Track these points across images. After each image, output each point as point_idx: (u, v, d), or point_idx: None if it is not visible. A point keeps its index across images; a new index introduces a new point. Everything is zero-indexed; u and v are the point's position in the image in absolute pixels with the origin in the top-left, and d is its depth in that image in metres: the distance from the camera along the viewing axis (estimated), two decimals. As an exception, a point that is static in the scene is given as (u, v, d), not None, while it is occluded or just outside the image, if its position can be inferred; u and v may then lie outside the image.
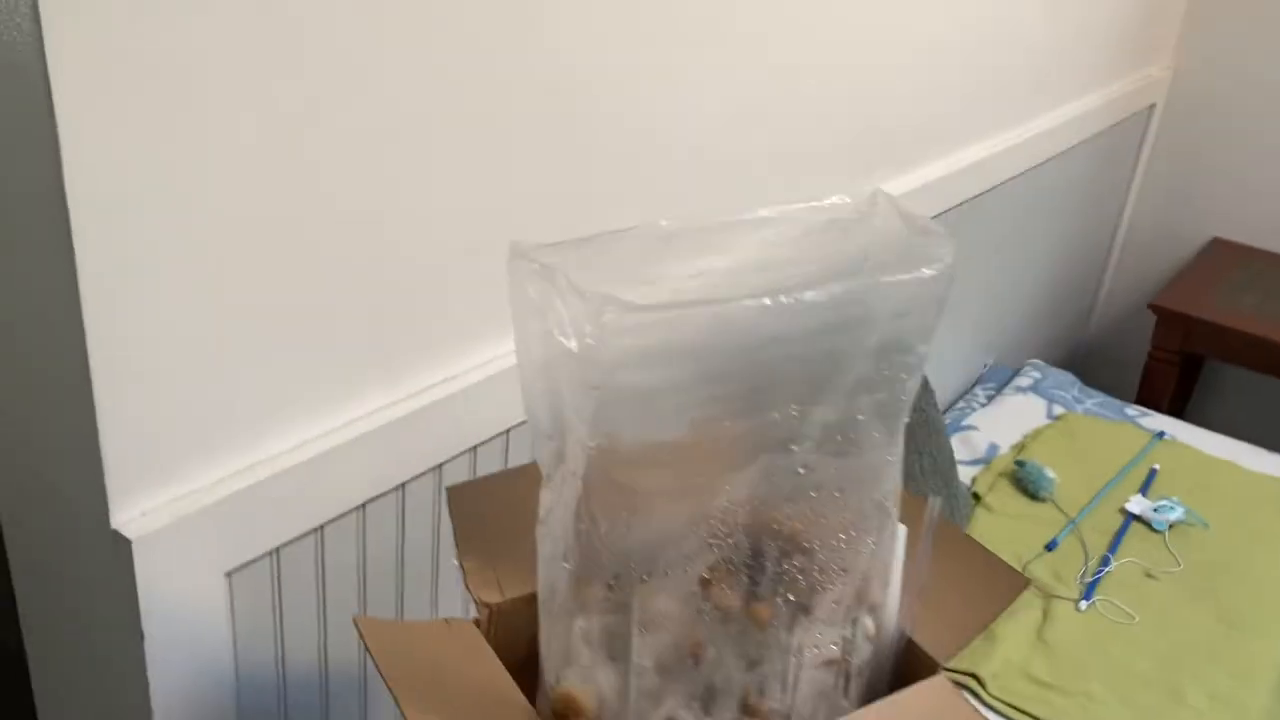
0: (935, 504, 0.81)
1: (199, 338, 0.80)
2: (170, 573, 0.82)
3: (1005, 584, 0.84)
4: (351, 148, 0.85)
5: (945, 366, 2.06)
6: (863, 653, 0.77)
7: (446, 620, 0.81)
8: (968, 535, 0.87)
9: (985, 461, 1.92)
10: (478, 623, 0.81)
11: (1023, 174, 1.97)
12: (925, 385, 1.71)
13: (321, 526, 0.94)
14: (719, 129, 1.22)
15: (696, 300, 0.60)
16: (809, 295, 0.62)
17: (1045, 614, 1.57)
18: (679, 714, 0.72)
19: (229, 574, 0.87)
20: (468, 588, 0.82)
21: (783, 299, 0.61)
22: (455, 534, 0.83)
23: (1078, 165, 2.22)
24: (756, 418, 0.64)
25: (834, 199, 0.73)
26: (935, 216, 1.73)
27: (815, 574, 0.69)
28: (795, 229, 0.73)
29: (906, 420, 0.70)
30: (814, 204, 0.73)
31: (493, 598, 0.81)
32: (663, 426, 0.62)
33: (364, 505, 0.97)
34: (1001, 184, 1.90)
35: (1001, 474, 1.87)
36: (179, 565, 0.82)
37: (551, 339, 0.62)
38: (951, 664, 1.48)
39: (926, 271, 0.65)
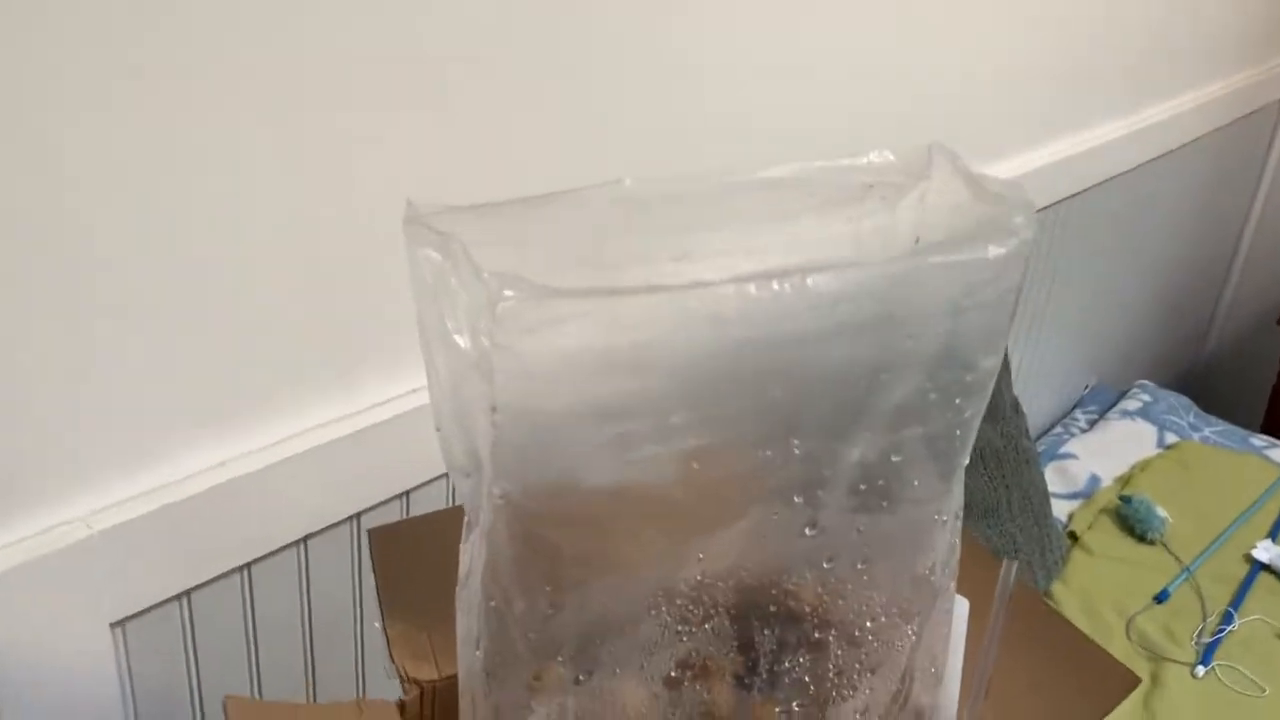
0: (1011, 569, 0.61)
1: (68, 341, 0.64)
2: (29, 624, 0.66)
3: (1107, 680, 0.63)
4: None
5: (1039, 386, 1.82)
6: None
7: (359, 703, 0.63)
8: (1057, 613, 0.66)
9: (1085, 495, 1.68)
10: (403, 706, 0.63)
11: (1131, 170, 1.73)
12: (1016, 408, 1.48)
13: (248, 565, 0.77)
14: (759, 89, 1.03)
15: (646, 287, 0.41)
16: (818, 282, 0.42)
17: (1154, 680, 1.33)
18: None
19: (116, 625, 0.70)
20: (392, 659, 0.64)
21: (776, 286, 0.42)
22: (378, 589, 0.65)
23: (1196, 163, 1.96)
24: (742, 456, 0.45)
25: (874, 154, 0.53)
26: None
27: (830, 675, 0.50)
28: (819, 194, 0.53)
29: (965, 463, 0.50)
30: (846, 161, 0.54)
31: (425, 674, 0.62)
32: (599, 468, 0.43)
33: (305, 539, 0.79)
34: (1106, 181, 1.67)
35: (1104, 510, 1.64)
36: (42, 614, 0.66)
37: (449, 338, 0.43)
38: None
39: (994, 250, 0.45)
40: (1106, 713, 0.61)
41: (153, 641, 0.73)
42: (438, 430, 0.49)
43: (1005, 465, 1.41)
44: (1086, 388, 2.00)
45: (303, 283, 0.74)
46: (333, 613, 0.83)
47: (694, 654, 0.49)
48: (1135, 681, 0.62)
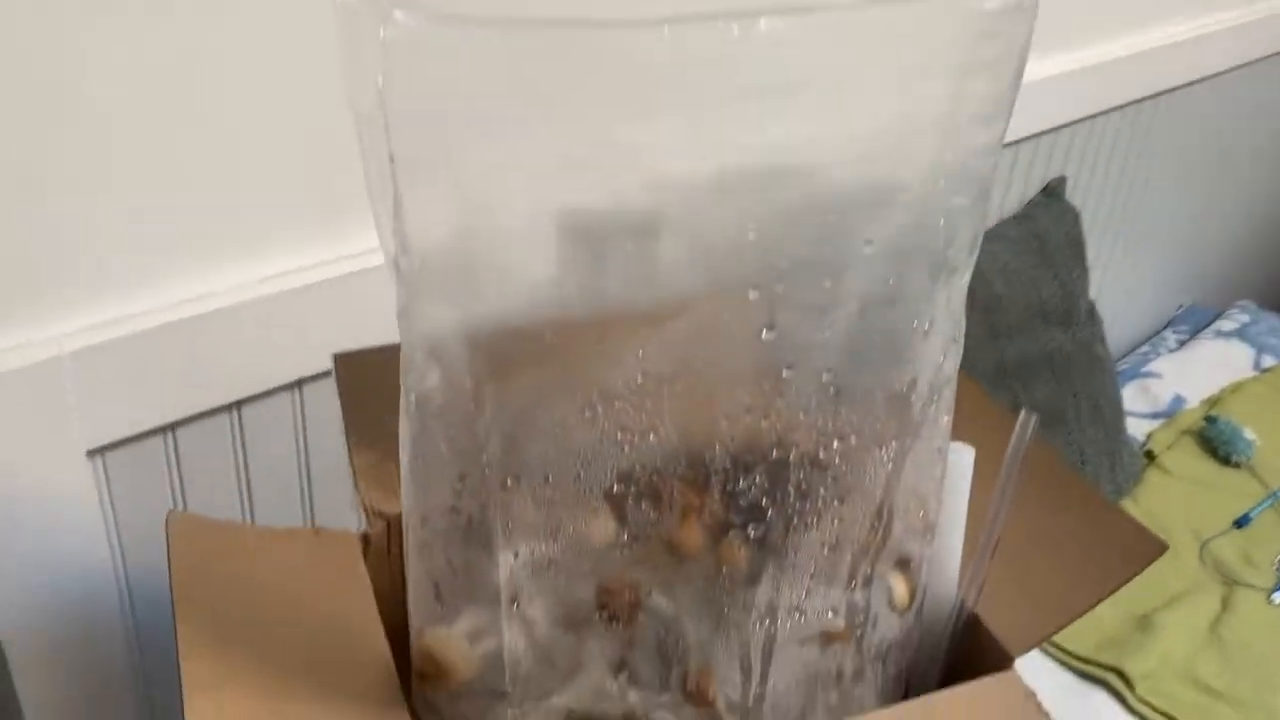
0: (1030, 422, 0.55)
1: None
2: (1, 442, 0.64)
3: (1131, 546, 0.56)
4: None
5: (1126, 304, 1.71)
6: (886, 629, 0.52)
7: (317, 530, 0.60)
8: (1079, 475, 0.60)
9: (1167, 415, 1.58)
10: (366, 539, 0.60)
11: (1237, 68, 1.59)
12: (1091, 314, 1.39)
13: (237, 405, 0.74)
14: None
15: (564, 20, 0.35)
16: (773, 27, 0.36)
17: (1225, 604, 1.25)
18: (591, 690, 0.49)
19: (94, 453, 0.68)
20: (357, 490, 0.61)
21: (724, 28, 0.36)
22: (345, 418, 0.61)
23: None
24: (682, 234, 0.39)
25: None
26: (1112, 111, 1.40)
27: (792, 499, 0.44)
28: None
29: (960, 269, 0.44)
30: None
31: (391, 507, 0.59)
32: (517, 236, 0.38)
33: (299, 384, 0.77)
34: (1207, 79, 1.54)
35: (1186, 431, 1.54)
36: (10, 437, 0.64)
37: (357, 100, 0.39)
38: (1092, 655, 1.20)
39: (990, 3, 0.38)
40: (1129, 579, 0.54)
41: (136, 475, 0.71)
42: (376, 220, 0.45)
43: (1075, 371, 1.32)
44: (1179, 307, 1.88)
45: (303, 118, 0.70)
46: (331, 461, 0.80)
47: (638, 468, 0.44)
48: (1162, 548, 0.55)
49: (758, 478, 0.44)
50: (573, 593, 0.47)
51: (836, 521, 0.46)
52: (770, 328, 0.41)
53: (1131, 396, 1.60)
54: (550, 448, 0.42)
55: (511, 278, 0.42)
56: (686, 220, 0.40)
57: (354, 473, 0.61)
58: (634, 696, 0.49)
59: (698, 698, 0.49)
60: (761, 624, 0.47)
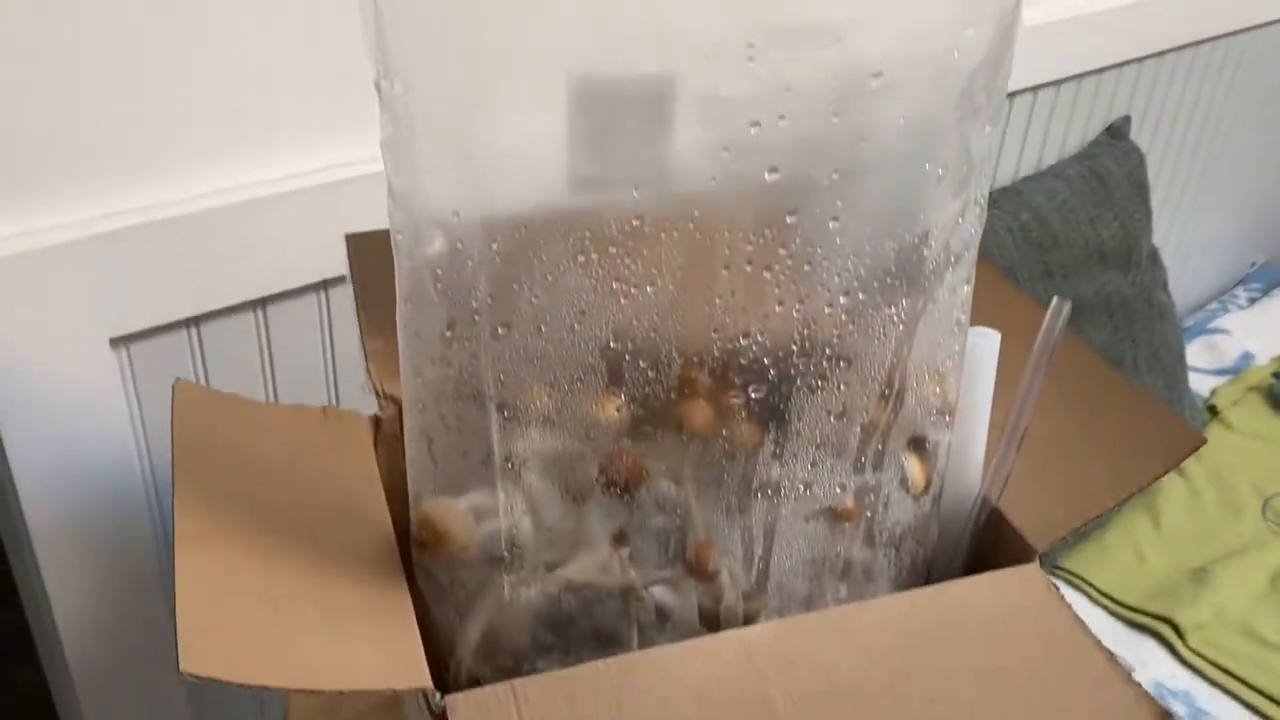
0: (1063, 309, 0.52)
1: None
2: (20, 329, 0.64)
3: (1166, 439, 0.53)
4: None
5: (1196, 260, 1.65)
6: (899, 513, 0.50)
7: (326, 409, 0.59)
8: (1115, 372, 0.57)
9: (1234, 372, 1.52)
10: (378, 422, 0.59)
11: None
12: (1154, 259, 1.34)
13: (262, 302, 0.74)
14: None
15: None
16: None
17: (1288, 559, 1.21)
18: (590, 561, 0.48)
19: (118, 343, 0.69)
20: (369, 374, 0.60)
21: None
22: (356, 300, 0.61)
23: None
24: (696, 97, 0.38)
25: None
26: (1184, 49, 1.34)
27: (794, 356, 0.43)
28: None
29: (986, 128, 0.41)
30: None
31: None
32: (524, 100, 0.37)
33: (325, 285, 0.76)
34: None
35: (1253, 388, 1.48)
36: (32, 319, 0.65)
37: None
38: (1144, 606, 1.16)
39: None
40: (1164, 472, 0.52)
41: (160, 368, 0.71)
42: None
43: (1135, 317, 1.28)
44: (1253, 265, 1.81)
45: (339, 5, 0.69)
46: (357, 363, 0.79)
47: (636, 324, 0.42)
48: (1199, 441, 0.52)
49: (759, 335, 0.42)
50: (570, 457, 0.45)
51: (843, 386, 0.44)
52: (773, 169, 0.40)
53: (1197, 352, 1.55)
54: (542, 295, 0.41)
55: (517, 146, 0.41)
56: (701, 80, 0.39)
57: (365, 355, 0.60)
58: (634, 569, 0.48)
59: (698, 570, 0.47)
60: (764, 494, 0.46)
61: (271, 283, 0.73)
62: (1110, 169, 1.28)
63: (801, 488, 0.46)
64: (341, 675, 0.43)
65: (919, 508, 0.51)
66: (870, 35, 0.37)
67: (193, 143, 0.68)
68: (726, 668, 0.45)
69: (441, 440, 0.45)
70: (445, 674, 0.53)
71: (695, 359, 0.43)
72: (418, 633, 0.46)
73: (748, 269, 0.41)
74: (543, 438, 0.45)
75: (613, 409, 0.45)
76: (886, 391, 0.45)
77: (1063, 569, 1.17)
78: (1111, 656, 0.47)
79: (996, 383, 0.54)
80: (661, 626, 0.49)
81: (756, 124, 0.39)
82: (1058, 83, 1.21)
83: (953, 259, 0.44)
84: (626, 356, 0.43)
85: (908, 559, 0.52)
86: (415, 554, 0.50)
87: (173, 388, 0.54)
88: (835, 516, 0.48)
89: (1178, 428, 0.53)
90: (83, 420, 0.69)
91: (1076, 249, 1.21)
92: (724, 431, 0.44)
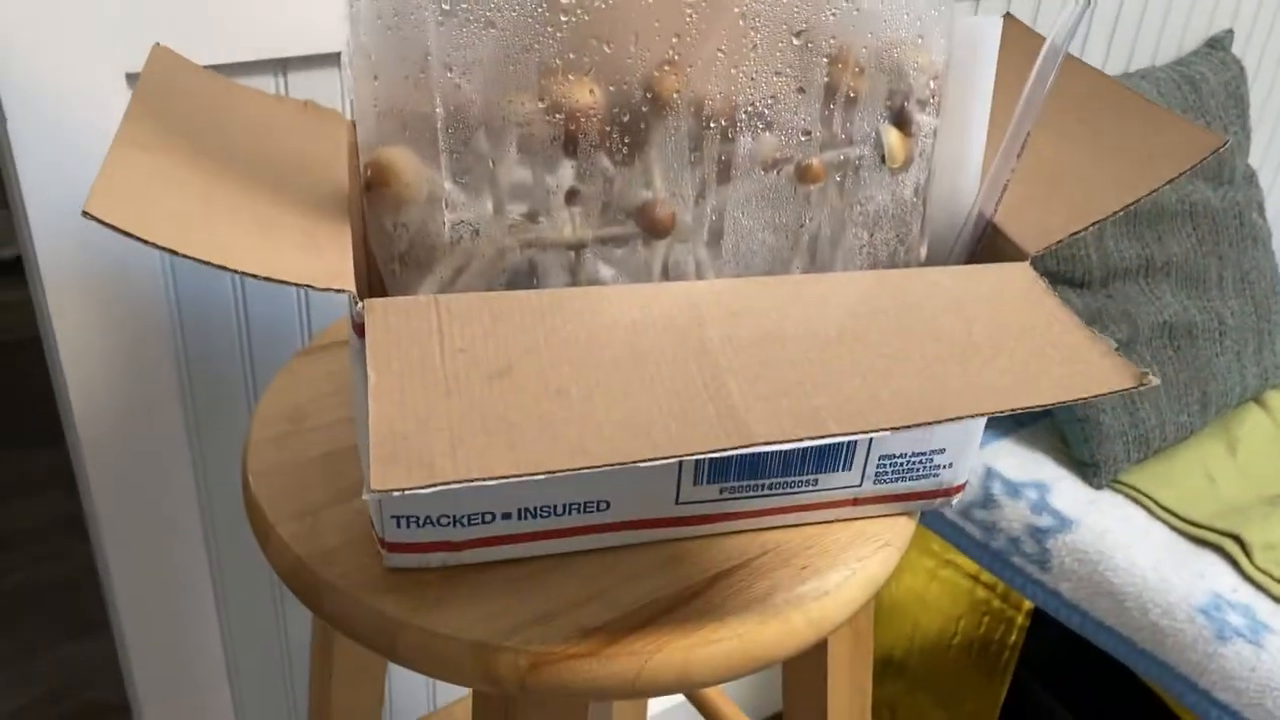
0: (1080, 4, 0.48)
1: None
2: (37, 45, 0.65)
3: (1181, 143, 0.48)
4: None
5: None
6: (874, 187, 0.46)
7: (306, 102, 0.58)
8: (1128, 87, 0.52)
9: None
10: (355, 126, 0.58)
11: None
12: (1250, 179, 1.27)
13: (284, 62, 0.74)
14: None
15: None
16: None
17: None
18: (536, 202, 0.46)
19: (133, 79, 0.69)
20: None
21: None
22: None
23: None
24: None
25: None
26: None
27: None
28: None
29: None
30: None
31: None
32: None
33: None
34: None
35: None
36: (53, 42, 0.65)
37: None
38: (1208, 522, 1.08)
39: None
40: (1180, 174, 0.47)
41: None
42: None
43: (1222, 234, 1.20)
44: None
45: None
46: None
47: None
48: (1217, 141, 0.47)
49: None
50: (512, 72, 0.43)
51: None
52: None
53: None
54: None
55: None
56: None
57: (351, 63, 0.59)
58: (584, 222, 0.46)
59: (647, 220, 0.45)
60: (715, 126, 0.43)
61: (294, 44, 0.73)
62: (1206, 76, 1.21)
63: (760, 127, 0.43)
64: (260, 263, 0.41)
65: (898, 188, 0.47)
66: None
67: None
68: (665, 310, 0.43)
69: (379, 47, 0.44)
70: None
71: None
72: (350, 250, 0.44)
73: None
74: (484, 46, 0.43)
75: (583, 92, 0.43)
76: (855, 12, 0.42)
77: (1123, 483, 1.10)
78: (1095, 335, 0.43)
79: (1000, 90, 0.51)
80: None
81: None
82: (1150, -24, 1.15)
83: None
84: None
85: (884, 251, 0.48)
86: (365, 202, 0.49)
87: (150, 50, 0.53)
88: (799, 175, 0.45)
89: (1193, 131, 0.48)
90: (96, 153, 0.69)
91: (1160, 150, 1.15)
92: (686, 86, 0.42)
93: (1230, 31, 1.27)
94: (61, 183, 0.69)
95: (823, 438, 0.38)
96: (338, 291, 0.42)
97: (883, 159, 0.46)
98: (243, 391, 0.82)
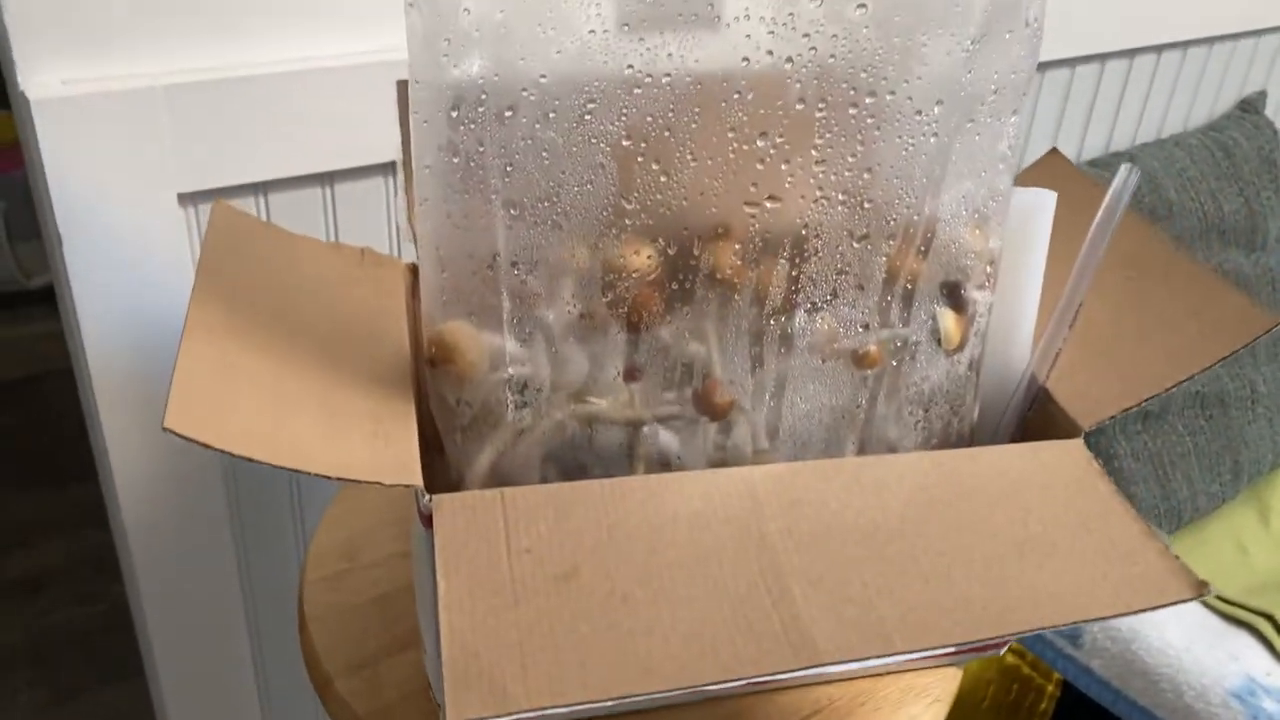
0: (1130, 176, 0.49)
1: None
2: (93, 165, 0.66)
3: (1232, 322, 0.49)
4: None
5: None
6: (930, 368, 0.47)
7: (364, 250, 0.59)
8: (1181, 251, 0.53)
9: (1368, 379, 1.42)
10: (415, 270, 0.59)
11: None
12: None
13: (330, 176, 0.75)
14: None
15: None
16: None
17: None
18: (598, 389, 0.46)
19: (186, 199, 0.70)
20: (410, 221, 0.59)
21: None
22: (402, 144, 0.60)
23: None
24: None
25: None
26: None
27: (812, 162, 0.40)
28: None
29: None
30: None
31: (442, 240, 0.58)
32: None
33: (394, 167, 0.77)
34: None
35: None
36: (104, 160, 0.66)
37: None
38: (1241, 599, 1.08)
39: None
40: (1232, 353, 0.47)
41: (229, 224, 0.72)
42: None
43: (1255, 300, 1.20)
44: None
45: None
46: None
47: (649, 120, 0.41)
48: (1271, 322, 0.48)
49: (777, 137, 0.40)
50: (575, 263, 0.44)
51: (866, 204, 0.41)
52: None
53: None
54: (550, 74, 0.40)
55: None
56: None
57: (408, 202, 0.60)
58: (642, 401, 0.46)
59: (706, 403, 0.45)
60: (778, 323, 0.43)
61: (341, 158, 0.74)
62: (1239, 142, 1.20)
63: (819, 322, 0.44)
64: (331, 463, 0.42)
65: (953, 367, 0.48)
66: None
67: (273, 8, 0.69)
68: (725, 499, 0.43)
69: (448, 242, 0.44)
70: (454, 509, 0.52)
71: (709, 160, 0.41)
72: (416, 438, 0.45)
73: (769, 58, 0.39)
74: (549, 239, 0.43)
75: (619, 211, 0.43)
76: (914, 221, 0.42)
77: (1155, 555, 1.10)
78: (1150, 530, 0.43)
79: (1051, 253, 0.51)
80: (667, 468, 0.47)
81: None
82: (1184, 44, 1.15)
83: (994, 76, 0.41)
84: (639, 158, 0.42)
85: (939, 424, 0.49)
86: (428, 376, 0.49)
87: (211, 208, 0.54)
88: (856, 361, 0.46)
89: (1246, 307, 0.49)
90: (147, 271, 0.70)
91: (1193, 221, 1.15)
92: (747, 252, 0.42)
93: (1264, 93, 1.27)
94: (112, 297, 0.70)
95: (889, 656, 0.38)
96: (406, 486, 0.42)
97: (939, 342, 0.47)
98: (289, 505, 0.83)
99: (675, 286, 0.45)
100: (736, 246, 0.43)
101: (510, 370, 0.46)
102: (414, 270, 0.59)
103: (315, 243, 0.57)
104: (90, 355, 0.71)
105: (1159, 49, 1.14)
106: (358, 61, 0.72)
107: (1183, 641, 1.01)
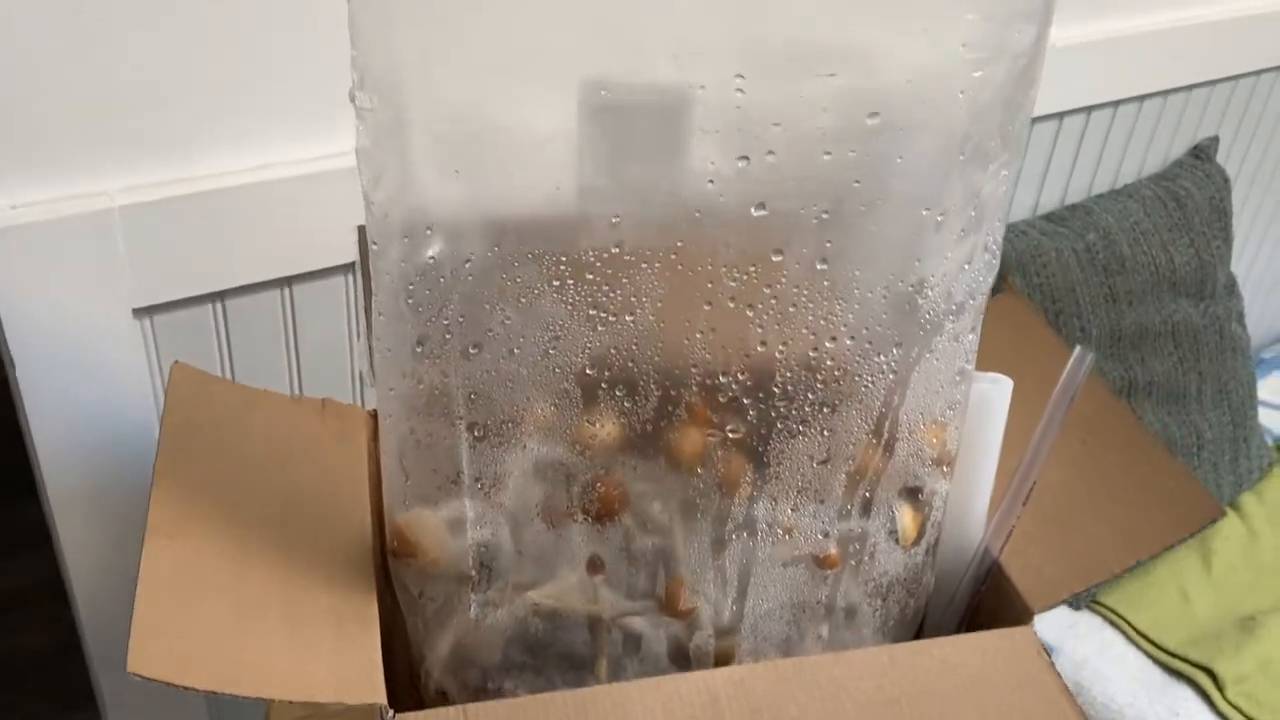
0: (1085, 359, 0.49)
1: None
2: (45, 288, 0.65)
3: (1182, 506, 0.50)
4: None
5: (1278, 291, 1.58)
6: (888, 563, 0.48)
7: (325, 401, 0.59)
8: (1139, 424, 0.54)
9: (1310, 410, 1.46)
10: (375, 416, 0.59)
11: None
12: (1231, 289, 1.29)
13: (288, 280, 0.74)
14: None
15: None
16: None
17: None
18: (561, 587, 0.47)
19: (141, 313, 0.69)
20: (371, 368, 0.59)
21: None
22: (365, 291, 0.60)
23: None
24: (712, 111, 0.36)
25: None
26: (1267, 72, 1.28)
27: (774, 400, 0.41)
28: None
29: (999, 174, 0.39)
30: None
31: (403, 387, 0.58)
32: (533, 106, 0.35)
33: (353, 266, 0.76)
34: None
35: (1329, 429, 1.42)
36: (60, 284, 0.65)
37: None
38: (1183, 653, 1.11)
39: None
40: (1178, 542, 0.49)
41: (184, 341, 0.72)
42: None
43: (1202, 349, 1.22)
44: (1343, 299, 1.73)
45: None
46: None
47: (614, 353, 0.41)
48: (1217, 513, 0.49)
49: (739, 374, 0.40)
50: (545, 479, 0.44)
51: (826, 432, 0.42)
52: (760, 205, 0.38)
53: (1273, 388, 1.49)
54: (515, 317, 0.40)
55: (525, 152, 0.39)
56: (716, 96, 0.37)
57: (370, 349, 0.59)
58: (607, 597, 0.47)
59: (669, 607, 0.46)
60: (741, 535, 0.44)
61: (299, 262, 0.73)
62: (1190, 191, 1.22)
63: (780, 532, 0.44)
64: (296, 686, 0.42)
65: (909, 558, 0.49)
66: (868, 71, 0.35)
67: (224, 120, 0.68)
68: (688, 709, 0.44)
69: (412, 455, 0.44)
70: (417, 682, 0.52)
71: (673, 392, 0.42)
72: (379, 646, 0.45)
73: (730, 305, 0.40)
74: (515, 460, 0.44)
75: (601, 429, 0.44)
76: (874, 440, 0.43)
77: (1101, 604, 1.13)
78: (1096, 734, 0.45)
79: (1010, 428, 0.52)
80: (630, 658, 0.48)
81: (744, 158, 0.37)
82: (1140, 98, 1.16)
83: (954, 307, 0.42)
84: (603, 385, 0.42)
85: (896, 609, 0.50)
86: (390, 562, 0.50)
87: (170, 369, 0.54)
88: (817, 563, 0.46)
89: (1198, 494, 0.50)
90: (103, 387, 0.70)
91: (1145, 274, 1.16)
92: (709, 465, 0.43)
93: (1216, 138, 1.28)
94: (66, 413, 0.69)
95: None
96: (368, 706, 0.43)
97: (897, 540, 0.47)
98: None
99: (639, 486, 0.45)
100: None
101: (473, 568, 0.46)
102: (374, 415, 0.58)
103: (276, 398, 0.57)
104: (44, 464, 0.70)
105: (1115, 104, 1.15)
106: (312, 170, 0.71)
107: (1126, 697, 1.04)
